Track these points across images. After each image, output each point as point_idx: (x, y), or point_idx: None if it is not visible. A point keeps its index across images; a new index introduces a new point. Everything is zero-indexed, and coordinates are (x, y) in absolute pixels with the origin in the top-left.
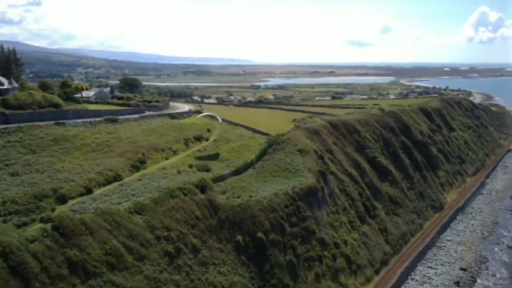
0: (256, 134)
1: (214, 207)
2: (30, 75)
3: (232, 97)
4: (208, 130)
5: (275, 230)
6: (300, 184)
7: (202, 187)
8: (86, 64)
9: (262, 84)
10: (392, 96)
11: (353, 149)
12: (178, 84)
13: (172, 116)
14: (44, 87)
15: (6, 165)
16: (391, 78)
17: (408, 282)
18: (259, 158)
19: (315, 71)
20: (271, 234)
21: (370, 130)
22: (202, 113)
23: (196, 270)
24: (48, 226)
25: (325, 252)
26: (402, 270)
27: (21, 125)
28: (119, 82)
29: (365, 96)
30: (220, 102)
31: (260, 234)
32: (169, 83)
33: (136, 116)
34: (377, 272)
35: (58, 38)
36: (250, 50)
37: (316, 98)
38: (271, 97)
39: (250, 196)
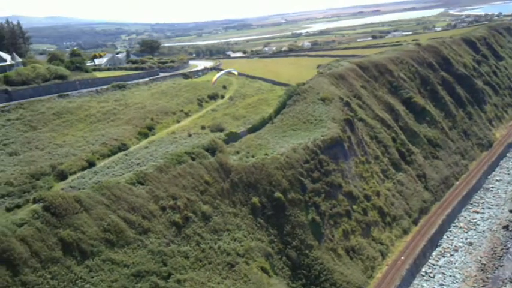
0: (275, 86)
1: (226, 170)
2: (75, 47)
3: (266, 48)
4: (224, 87)
5: (294, 188)
6: (322, 136)
7: (212, 149)
8: (128, 31)
9: (303, 31)
10: (438, 29)
11: (385, 91)
12: (218, 41)
13: (186, 76)
14: (52, 59)
15: (5, 144)
16: (440, 10)
17: (451, 230)
18: (278, 111)
19: (359, 11)
20: (290, 193)
21: (404, 68)
22: (219, 68)
23: (208, 238)
24: (39, 207)
25: (354, 207)
26: (444, 218)
27: (22, 101)
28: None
29: (409, 32)
30: (254, 55)
31: (278, 194)
32: (210, 40)
33: (147, 79)
34: (415, 223)
35: (101, 10)
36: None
37: (358, 40)
38: (307, 44)
39: (266, 154)
